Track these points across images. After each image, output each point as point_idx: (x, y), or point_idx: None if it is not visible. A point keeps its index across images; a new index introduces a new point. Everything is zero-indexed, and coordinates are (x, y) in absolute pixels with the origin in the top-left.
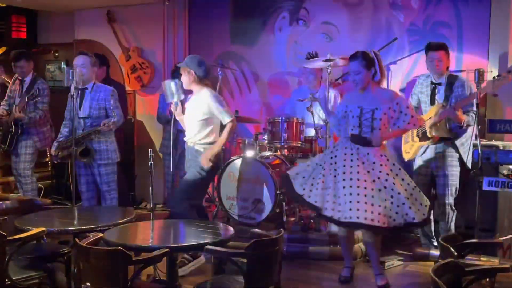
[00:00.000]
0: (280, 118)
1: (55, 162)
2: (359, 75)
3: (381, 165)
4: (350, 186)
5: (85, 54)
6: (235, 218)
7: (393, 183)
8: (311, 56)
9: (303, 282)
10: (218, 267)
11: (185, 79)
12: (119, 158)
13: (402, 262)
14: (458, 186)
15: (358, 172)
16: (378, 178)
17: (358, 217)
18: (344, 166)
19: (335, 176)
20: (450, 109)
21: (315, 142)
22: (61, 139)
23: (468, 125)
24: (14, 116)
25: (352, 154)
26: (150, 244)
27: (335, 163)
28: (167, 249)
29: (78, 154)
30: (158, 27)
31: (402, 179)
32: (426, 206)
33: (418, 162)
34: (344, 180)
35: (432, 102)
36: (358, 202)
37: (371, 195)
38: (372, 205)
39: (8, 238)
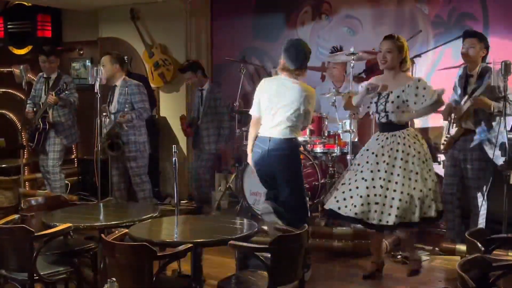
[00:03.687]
0: None
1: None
2: (390, 53)
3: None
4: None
5: (107, 53)
6: (258, 213)
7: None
8: (336, 50)
9: (327, 277)
10: (242, 262)
11: None
12: (149, 150)
13: (428, 257)
14: (490, 179)
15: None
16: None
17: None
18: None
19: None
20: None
21: (338, 137)
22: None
23: (499, 111)
24: (48, 101)
25: (383, 146)
26: (175, 239)
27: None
28: (191, 244)
29: (106, 148)
30: (181, 23)
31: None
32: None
33: (449, 154)
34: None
35: (465, 93)
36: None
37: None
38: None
39: (36, 234)
